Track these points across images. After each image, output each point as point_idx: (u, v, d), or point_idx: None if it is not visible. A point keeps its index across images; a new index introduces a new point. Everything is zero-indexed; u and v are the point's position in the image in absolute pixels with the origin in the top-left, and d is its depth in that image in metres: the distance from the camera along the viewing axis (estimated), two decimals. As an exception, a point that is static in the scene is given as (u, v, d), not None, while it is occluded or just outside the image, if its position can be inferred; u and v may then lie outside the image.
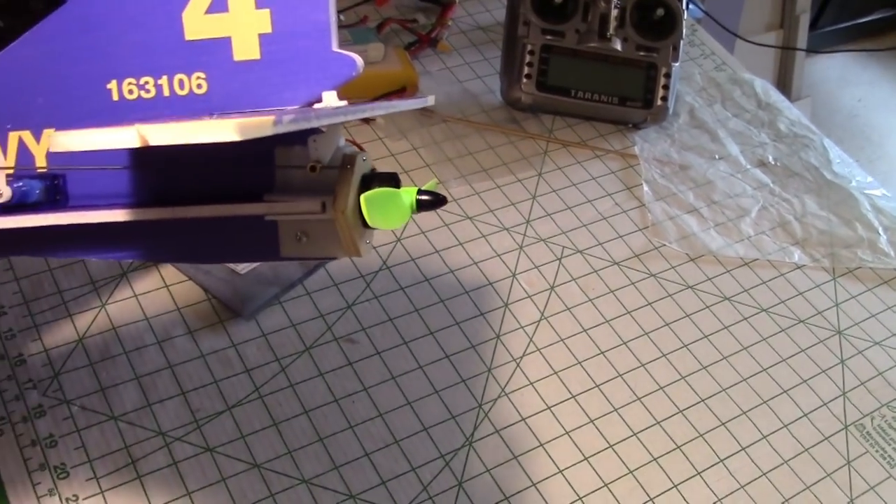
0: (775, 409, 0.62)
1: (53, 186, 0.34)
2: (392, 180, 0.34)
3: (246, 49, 0.32)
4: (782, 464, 0.59)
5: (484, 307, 0.64)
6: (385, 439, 0.55)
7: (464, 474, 0.55)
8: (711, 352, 0.65)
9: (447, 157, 0.74)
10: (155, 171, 0.31)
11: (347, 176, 0.33)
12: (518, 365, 0.61)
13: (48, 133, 0.34)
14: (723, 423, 0.61)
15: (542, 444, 0.57)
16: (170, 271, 0.61)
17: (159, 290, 0.60)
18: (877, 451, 0.61)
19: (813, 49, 2.15)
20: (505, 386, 0.60)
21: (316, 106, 0.32)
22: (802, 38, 2.01)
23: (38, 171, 0.34)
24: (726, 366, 0.64)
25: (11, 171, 0.33)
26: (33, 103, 0.34)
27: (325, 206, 0.33)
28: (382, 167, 0.71)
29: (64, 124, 0.33)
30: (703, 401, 0.62)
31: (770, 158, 0.82)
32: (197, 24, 0.32)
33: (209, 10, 0.32)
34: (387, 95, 0.76)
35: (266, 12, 0.32)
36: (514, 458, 0.56)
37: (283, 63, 0.32)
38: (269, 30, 0.32)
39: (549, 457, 0.57)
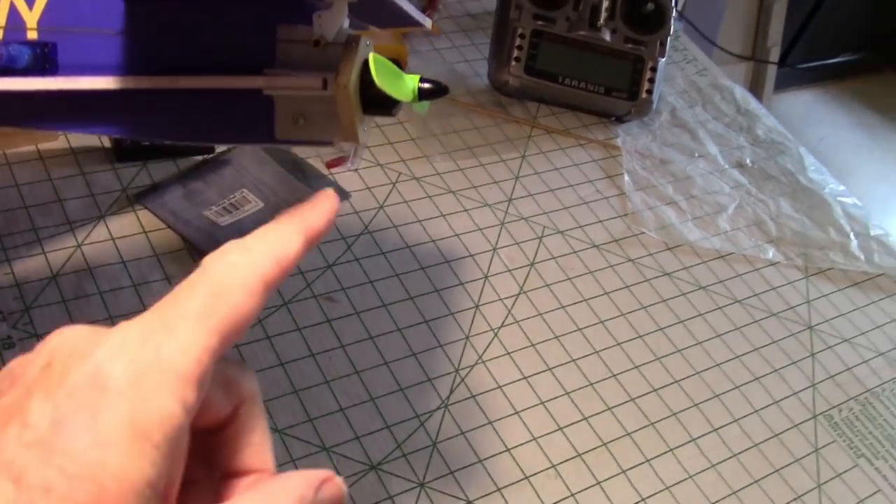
0: (747, 394, 0.63)
1: (43, 54, 0.32)
2: (397, 64, 0.34)
3: None
4: (753, 446, 0.60)
5: (464, 277, 0.64)
6: (361, 396, 0.55)
7: (438, 435, 0.54)
8: (686, 336, 0.65)
9: (433, 133, 0.74)
10: (149, 38, 0.30)
11: (351, 53, 0.32)
12: (496, 335, 0.61)
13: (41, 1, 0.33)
14: (696, 404, 0.61)
15: (517, 412, 0.57)
16: (148, 217, 0.60)
17: (137, 235, 0.59)
18: (844, 440, 0.62)
19: (779, 81, 2.20)
20: (482, 354, 0.59)
21: None
22: (772, 72, 2.06)
23: (29, 34, 0.32)
24: (700, 350, 0.65)
25: (1, 33, 0.32)
26: None
27: (326, 82, 0.32)
28: (369, 138, 0.71)
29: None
30: (677, 381, 0.62)
31: (747, 160, 0.83)
32: None
33: None
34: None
35: None
36: (488, 423, 0.56)
37: None
38: None
39: (524, 424, 0.56)
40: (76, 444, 0.21)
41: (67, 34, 0.33)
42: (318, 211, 0.28)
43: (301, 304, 0.58)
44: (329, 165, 0.67)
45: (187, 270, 0.54)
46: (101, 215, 0.59)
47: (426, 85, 0.33)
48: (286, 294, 0.58)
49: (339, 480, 0.26)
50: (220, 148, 0.66)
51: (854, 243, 0.77)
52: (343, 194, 0.66)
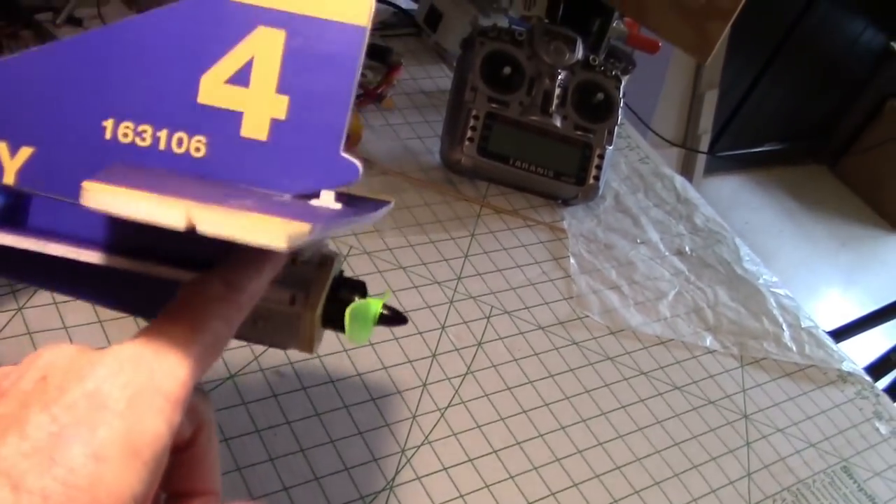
0: (686, 482, 0.64)
1: (16, 205, 0.31)
2: (362, 289, 0.34)
3: (255, 128, 0.31)
4: (691, 536, 0.60)
5: (412, 355, 0.64)
6: (305, 475, 0.54)
7: (383, 518, 0.53)
8: (628, 422, 0.66)
9: (384, 208, 0.74)
10: (124, 224, 0.30)
11: (324, 276, 0.32)
12: (443, 415, 0.61)
13: (25, 151, 0.31)
14: (636, 492, 0.61)
15: (461, 496, 0.56)
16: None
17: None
18: (778, 531, 0.63)
19: (708, 166, 2.28)
20: (429, 434, 0.59)
21: (314, 203, 0.31)
22: (701, 158, 2.14)
23: (4, 185, 0.31)
24: (641, 437, 0.65)
25: None
26: (19, 116, 0.32)
27: (294, 299, 0.32)
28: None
29: (46, 147, 0.31)
30: (618, 468, 0.62)
31: (687, 248, 0.86)
32: (213, 89, 0.31)
33: (229, 81, 0.31)
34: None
35: (285, 99, 0.31)
36: (433, 507, 0.55)
37: (288, 151, 0.31)
38: (282, 116, 0.31)
39: (469, 508, 0.56)
40: (74, 456, 0.22)
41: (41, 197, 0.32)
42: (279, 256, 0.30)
43: (248, 378, 0.57)
44: (280, 236, 0.67)
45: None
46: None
47: (386, 312, 0.34)
48: (233, 366, 0.57)
49: None
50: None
51: (786, 334, 0.80)
52: (293, 266, 0.65)
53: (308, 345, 0.33)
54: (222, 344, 0.27)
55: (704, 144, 2.12)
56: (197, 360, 0.26)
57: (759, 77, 2.37)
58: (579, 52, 0.81)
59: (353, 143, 0.77)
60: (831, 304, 2.42)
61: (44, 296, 0.57)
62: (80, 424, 0.23)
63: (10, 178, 0.31)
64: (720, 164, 2.46)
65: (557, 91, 0.80)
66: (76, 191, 0.26)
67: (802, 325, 0.82)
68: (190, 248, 0.31)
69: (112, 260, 0.31)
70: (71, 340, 0.55)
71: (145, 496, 0.24)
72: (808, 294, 2.38)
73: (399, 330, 0.65)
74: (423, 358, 0.64)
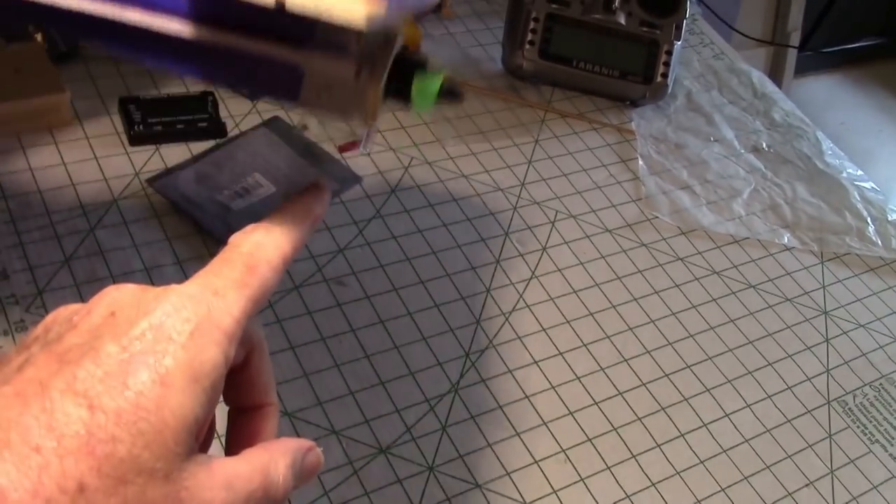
0: (760, 380, 0.62)
1: None
2: (424, 64, 0.35)
3: None
4: (765, 432, 0.59)
5: (475, 262, 0.63)
6: (370, 380, 0.55)
7: (448, 419, 0.54)
8: (699, 321, 0.65)
9: (445, 118, 0.74)
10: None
11: (388, 51, 0.34)
12: (507, 319, 0.61)
13: None
14: (708, 390, 0.61)
15: (527, 396, 0.57)
16: (160, 202, 0.60)
17: (149, 219, 0.59)
18: (858, 426, 0.62)
19: (800, 66, 2.17)
20: (493, 338, 0.59)
21: None
22: (791, 57, 2.04)
23: None
24: (713, 336, 0.64)
25: None
26: None
27: (360, 70, 0.33)
28: (381, 122, 0.71)
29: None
30: (688, 367, 0.62)
31: (764, 145, 0.82)
32: None
33: None
34: (388, 53, 0.75)
35: None
36: (498, 408, 0.56)
37: None
38: None
39: (535, 409, 0.56)
40: (143, 381, 0.25)
41: None
42: (319, 200, 0.34)
43: (312, 289, 0.58)
44: (341, 149, 0.67)
45: (199, 254, 0.55)
46: (114, 199, 0.59)
47: (447, 87, 0.36)
48: (297, 278, 0.59)
49: (319, 451, 0.31)
50: (232, 132, 0.66)
51: (871, 228, 0.76)
52: (355, 178, 0.66)
53: (371, 116, 0.35)
54: (271, 286, 0.30)
55: (795, 42, 2.01)
56: (248, 300, 0.28)
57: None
58: (643, -56, 0.78)
59: (412, 51, 0.76)
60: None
61: (114, 215, 0.58)
62: (148, 353, 0.25)
63: None
64: (813, 62, 2.34)
65: (620, -14, 0.77)
66: None
67: (889, 219, 0.78)
68: (274, 27, 0.33)
69: (197, 30, 0.33)
70: (142, 258, 0.57)
71: (205, 419, 0.26)
72: (910, 195, 2.27)
73: (462, 237, 0.65)
74: (486, 264, 0.64)
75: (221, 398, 0.29)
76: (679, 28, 0.78)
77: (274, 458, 0.29)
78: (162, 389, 0.25)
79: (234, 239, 0.30)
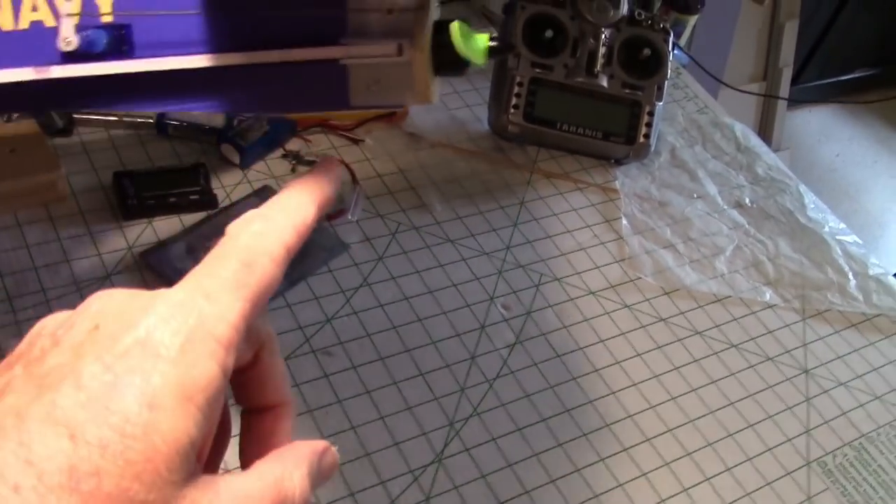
0: (740, 442, 0.64)
1: (119, 36, 0.33)
2: (466, 21, 0.35)
3: None
4: (744, 496, 0.60)
5: (461, 328, 0.65)
6: (356, 452, 0.56)
7: (432, 490, 0.55)
8: (681, 383, 0.66)
9: (433, 181, 0.75)
10: (224, 17, 0.31)
11: (423, 17, 0.33)
12: (491, 386, 0.62)
13: None
14: (689, 454, 0.62)
15: (510, 465, 0.58)
16: (154, 276, 0.62)
17: (141, 293, 0.61)
18: (837, 487, 0.63)
19: (794, 99, 2.20)
20: (477, 406, 0.61)
21: None
22: (784, 91, 2.06)
23: (103, 18, 0.33)
24: (695, 398, 0.66)
25: (78, 19, 0.33)
26: None
27: (401, 48, 0.33)
28: (369, 188, 0.72)
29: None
30: (670, 430, 0.63)
31: (747, 200, 0.84)
32: None
33: None
34: (376, 118, 0.77)
35: None
36: (482, 478, 0.57)
37: None
38: None
39: (517, 478, 0.57)
40: (130, 405, 0.22)
41: (141, 17, 0.34)
42: (328, 179, 0.30)
43: (299, 360, 0.60)
44: (329, 218, 0.69)
45: None
46: (108, 275, 0.61)
47: (494, 43, 0.34)
48: (285, 350, 0.60)
49: (334, 450, 0.29)
50: (223, 203, 0.68)
51: (852, 283, 0.78)
52: (342, 246, 0.67)
53: (425, 92, 0.34)
54: (273, 282, 0.27)
55: (787, 77, 2.03)
56: (246, 302, 0.25)
57: (844, 0, 2.25)
58: (624, 8, 0.80)
59: (399, 117, 0.78)
60: (933, 234, 2.31)
61: (107, 291, 0.60)
62: (134, 373, 0.23)
63: (106, 9, 0.33)
64: (806, 95, 2.37)
65: (602, 50, 0.79)
66: (167, 2, 0.28)
67: (870, 273, 0.79)
68: (295, 27, 0.32)
69: (218, 59, 0.33)
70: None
71: (203, 438, 0.24)
72: (906, 225, 2.29)
73: (448, 303, 0.66)
74: (471, 330, 0.65)
75: (233, 400, 0.28)
76: (661, 88, 0.80)
77: (288, 469, 0.26)
78: (150, 413, 0.22)
79: (231, 229, 0.27)
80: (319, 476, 0.28)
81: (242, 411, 0.30)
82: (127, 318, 0.24)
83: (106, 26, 0.34)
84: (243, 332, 0.25)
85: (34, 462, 0.21)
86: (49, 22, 0.34)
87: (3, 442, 0.21)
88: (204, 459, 0.25)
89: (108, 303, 0.25)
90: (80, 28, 0.33)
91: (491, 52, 0.34)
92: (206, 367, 0.24)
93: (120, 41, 0.34)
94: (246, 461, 0.29)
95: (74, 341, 0.24)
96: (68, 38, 0.33)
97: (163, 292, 0.25)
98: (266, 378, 0.30)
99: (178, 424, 0.23)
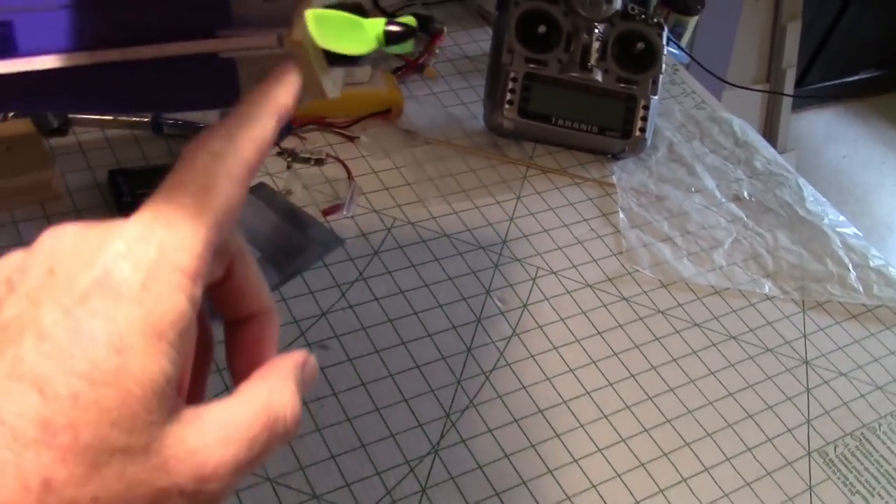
0: (740, 432, 0.63)
1: (2, 35, 0.31)
2: (357, 10, 0.31)
3: None
4: (744, 486, 0.60)
5: (456, 321, 0.65)
6: (352, 443, 0.56)
7: (428, 481, 0.55)
8: (679, 375, 0.66)
9: (428, 177, 0.75)
10: (100, 12, 0.29)
11: (303, 4, 0.30)
12: (487, 378, 0.62)
13: None
14: (687, 444, 0.61)
15: (507, 456, 0.58)
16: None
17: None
18: (838, 477, 0.62)
19: (799, 100, 2.19)
20: (473, 398, 0.60)
21: None
22: (788, 93, 2.05)
23: None
24: (693, 389, 0.65)
25: None
26: None
27: (281, 38, 0.30)
28: (365, 184, 0.72)
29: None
30: (668, 421, 0.62)
31: (745, 194, 0.84)
32: None
33: None
34: (371, 116, 0.77)
35: None
36: (478, 468, 0.57)
37: None
38: None
39: (515, 469, 0.57)
40: (97, 351, 0.21)
41: (20, 12, 0.32)
42: (286, 88, 0.28)
43: (294, 353, 0.60)
44: (325, 213, 0.69)
45: None
46: (102, 270, 0.61)
47: (393, 28, 0.31)
48: (280, 343, 0.60)
49: (312, 359, 0.28)
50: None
51: (852, 275, 0.77)
52: (337, 241, 0.67)
53: (316, 87, 0.31)
54: (236, 204, 0.25)
55: (791, 79, 2.03)
56: (211, 227, 0.24)
57: (847, 1, 2.25)
58: (618, 3, 0.80)
59: (395, 115, 0.78)
60: (941, 234, 2.30)
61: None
62: (96, 316, 0.22)
63: None
64: (812, 96, 2.36)
65: (596, 45, 0.79)
66: None
67: (871, 265, 0.79)
68: (175, 19, 0.30)
69: (94, 56, 0.31)
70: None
71: (178, 374, 0.23)
72: (914, 226, 2.27)
73: (444, 297, 0.66)
74: (467, 323, 0.65)
75: (220, 313, 0.27)
76: (655, 83, 0.80)
77: (275, 388, 0.26)
78: (118, 357, 0.21)
79: (186, 152, 0.25)
80: (304, 388, 0.27)
81: (225, 323, 0.29)
82: (83, 257, 0.23)
83: None
84: (209, 258, 0.24)
85: (5, 420, 0.20)
86: None
87: None
88: (185, 392, 0.24)
89: (61, 241, 0.23)
90: None
91: (388, 37, 0.31)
92: (173, 301, 0.23)
93: (3, 40, 0.33)
94: (235, 373, 0.28)
95: (30, 287, 0.22)
96: None
97: (118, 224, 0.23)
98: (243, 289, 0.28)
99: (149, 364, 0.22)
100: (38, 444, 0.20)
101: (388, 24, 0.31)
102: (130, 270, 0.22)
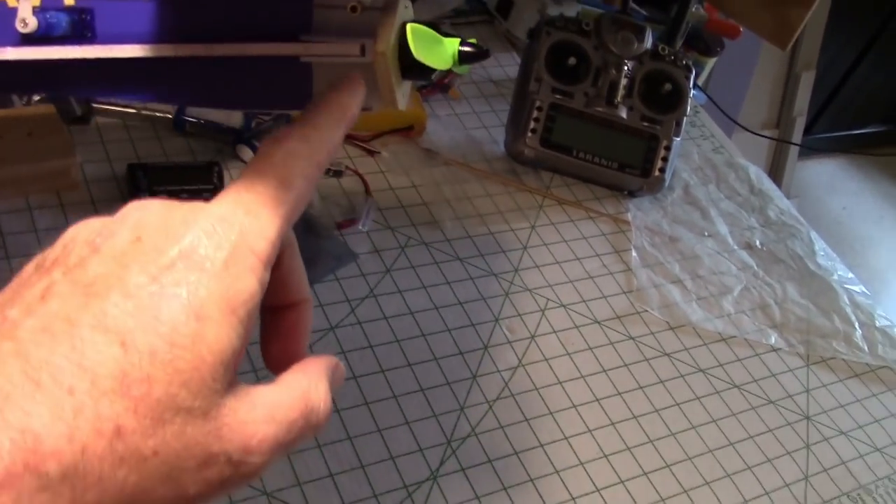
0: (738, 484, 0.63)
1: (81, 21, 0.32)
2: (434, 27, 0.33)
3: None
4: (739, 538, 0.60)
5: (464, 347, 0.64)
6: (351, 462, 0.55)
7: (425, 507, 0.55)
8: (681, 420, 0.66)
9: (445, 198, 0.75)
10: (186, 6, 0.30)
11: (389, 17, 0.32)
12: (491, 407, 0.61)
13: None
14: (685, 491, 0.61)
15: (505, 488, 0.57)
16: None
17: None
18: (833, 537, 0.62)
19: (805, 148, 2.20)
20: (476, 426, 0.60)
21: None
22: (797, 140, 2.06)
23: (66, 4, 0.32)
24: (694, 435, 0.65)
25: (38, 2, 0.32)
26: None
27: (364, 48, 0.32)
28: (381, 200, 0.72)
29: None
30: (668, 466, 0.62)
31: (757, 242, 0.84)
32: None
33: None
34: (394, 132, 0.77)
35: None
36: (476, 498, 0.56)
37: None
38: None
39: (511, 501, 0.57)
40: (178, 316, 0.23)
41: (105, 1, 0.33)
42: (356, 99, 0.30)
43: (300, 366, 0.59)
44: (340, 226, 0.69)
45: None
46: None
47: (466, 48, 0.33)
48: (287, 354, 0.59)
49: (342, 365, 0.30)
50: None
51: (858, 333, 0.77)
52: (351, 256, 0.67)
53: (390, 97, 0.33)
54: (305, 201, 0.28)
55: (800, 127, 2.04)
56: (284, 219, 0.26)
57: (862, 55, 2.26)
58: (648, 42, 0.80)
59: (416, 132, 0.78)
60: (934, 294, 2.31)
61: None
62: (180, 285, 0.23)
63: None
64: (818, 146, 2.37)
65: (624, 81, 0.79)
66: None
67: (877, 325, 0.79)
68: (258, 21, 0.31)
69: (179, 49, 0.32)
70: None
71: (241, 350, 0.25)
72: (908, 283, 2.28)
73: (452, 320, 0.66)
74: (474, 350, 0.65)
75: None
76: (679, 124, 0.80)
77: (312, 381, 0.27)
78: (197, 324, 0.23)
79: (266, 148, 0.28)
80: (333, 387, 0.29)
81: (262, 310, 0.30)
82: (170, 230, 0.24)
83: (68, 9, 0.33)
84: (279, 247, 0.26)
85: (87, 367, 0.22)
86: (11, 2, 0.33)
87: (55, 346, 0.22)
88: (237, 370, 0.26)
89: (148, 214, 0.25)
90: (41, 9, 0.32)
91: (462, 57, 0.33)
92: (248, 281, 0.25)
93: (82, 26, 0.33)
94: (269, 356, 0.30)
95: (116, 251, 0.24)
96: (26, 20, 0.32)
97: (202, 206, 0.25)
98: (287, 278, 0.30)
99: (222, 335, 0.24)
100: (114, 392, 0.22)
101: (461, 44, 0.33)
102: (214, 248, 0.24)
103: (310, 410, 0.26)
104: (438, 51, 0.33)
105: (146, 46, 0.32)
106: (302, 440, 0.26)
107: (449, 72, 0.85)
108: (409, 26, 0.32)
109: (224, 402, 0.24)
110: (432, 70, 0.33)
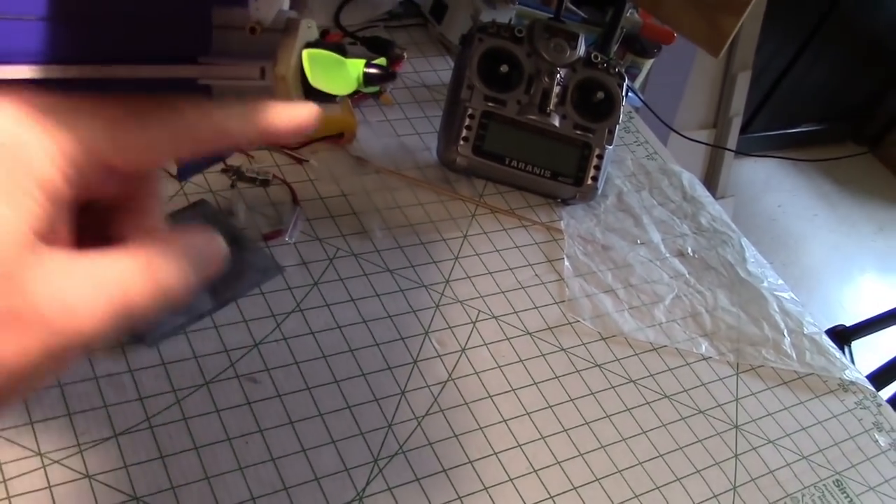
0: (667, 496, 0.63)
1: None
2: (339, 49, 0.33)
3: None
4: (668, 552, 0.60)
5: (392, 361, 0.63)
6: (274, 485, 0.54)
7: (350, 530, 0.54)
8: (611, 432, 0.65)
9: (376, 208, 0.74)
10: (80, 27, 0.29)
11: (290, 40, 0.31)
12: (419, 424, 0.60)
13: None
14: (614, 505, 0.61)
15: (433, 507, 0.56)
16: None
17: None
18: (760, 548, 0.62)
19: (741, 151, 2.24)
20: (403, 444, 0.59)
21: None
22: (733, 140, 2.09)
23: None
24: (624, 448, 0.65)
25: None
26: None
27: (264, 71, 0.31)
28: (310, 210, 0.70)
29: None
30: (597, 480, 0.62)
31: (689, 250, 0.84)
32: None
33: None
34: (324, 139, 0.75)
35: None
36: (403, 519, 0.55)
37: None
38: None
39: (439, 521, 0.56)
40: None
41: None
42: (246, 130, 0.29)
43: (222, 385, 0.57)
44: (266, 237, 0.67)
45: (118, 361, 0.53)
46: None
47: (372, 70, 0.33)
48: (208, 373, 0.58)
49: (219, 242, 0.28)
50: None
51: (787, 340, 0.78)
52: (277, 269, 0.65)
53: None
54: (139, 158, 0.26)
55: (736, 126, 2.07)
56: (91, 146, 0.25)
57: (797, 55, 2.31)
58: (581, 49, 0.80)
59: (347, 139, 0.77)
60: (865, 291, 2.37)
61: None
62: None
63: None
64: (753, 145, 2.41)
65: (557, 89, 0.78)
66: (19, 5, 0.27)
67: (805, 332, 0.80)
68: (155, 43, 0.30)
69: (68, 70, 0.31)
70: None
71: (45, 228, 0.24)
72: (841, 280, 2.34)
73: (381, 334, 0.65)
74: (403, 364, 0.64)
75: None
76: (612, 132, 0.80)
77: (167, 251, 0.26)
78: None
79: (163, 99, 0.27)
80: (199, 268, 0.27)
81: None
82: None
83: None
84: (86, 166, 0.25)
85: None
86: None
87: None
88: (62, 240, 0.25)
89: None
90: None
91: (367, 79, 0.33)
92: (41, 167, 0.24)
93: None
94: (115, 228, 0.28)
95: None
96: None
97: None
98: (141, 207, 0.28)
99: (11, 212, 0.23)
100: None
101: (366, 65, 0.32)
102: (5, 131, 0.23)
103: (157, 286, 0.25)
104: (341, 74, 0.32)
105: (35, 67, 0.31)
106: (144, 313, 0.25)
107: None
108: (305, 53, 0.31)
109: (34, 262, 0.23)
110: (333, 95, 0.32)
